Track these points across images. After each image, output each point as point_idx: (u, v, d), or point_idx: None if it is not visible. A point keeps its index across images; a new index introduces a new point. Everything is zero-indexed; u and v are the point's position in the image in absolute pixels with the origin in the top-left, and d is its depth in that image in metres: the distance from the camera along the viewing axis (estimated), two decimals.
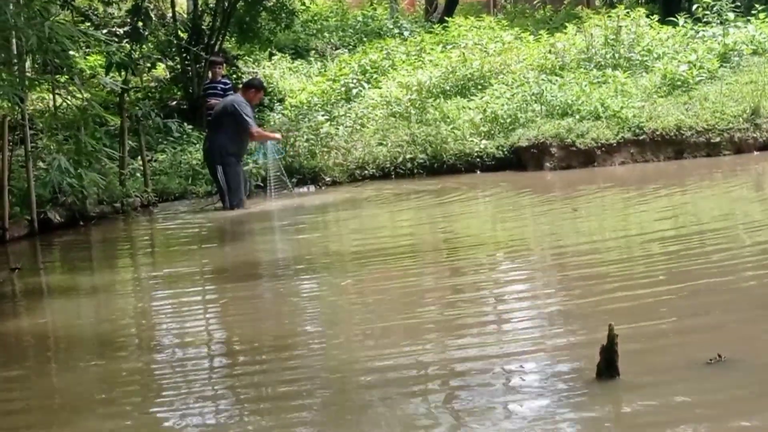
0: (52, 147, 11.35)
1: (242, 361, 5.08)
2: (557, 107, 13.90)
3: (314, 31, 21.91)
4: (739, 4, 17.21)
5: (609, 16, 16.22)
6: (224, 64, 15.44)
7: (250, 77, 12.97)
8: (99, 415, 4.28)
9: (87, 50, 14.06)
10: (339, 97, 16.46)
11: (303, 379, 4.51)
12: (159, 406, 4.38)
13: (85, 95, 11.54)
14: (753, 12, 16.46)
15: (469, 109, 14.59)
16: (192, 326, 5.99)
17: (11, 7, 9.37)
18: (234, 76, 17.08)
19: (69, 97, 11.64)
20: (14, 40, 10.46)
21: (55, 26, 9.67)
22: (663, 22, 16.60)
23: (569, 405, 3.87)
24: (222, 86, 14.20)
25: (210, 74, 14.76)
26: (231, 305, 6.55)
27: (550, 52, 16.06)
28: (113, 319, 6.36)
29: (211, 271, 8.00)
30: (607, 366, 4.04)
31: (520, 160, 13.46)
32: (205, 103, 14.49)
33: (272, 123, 15.40)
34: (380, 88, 16.22)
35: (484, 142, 13.77)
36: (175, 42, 17.12)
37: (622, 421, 3.77)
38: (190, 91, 16.96)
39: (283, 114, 15.76)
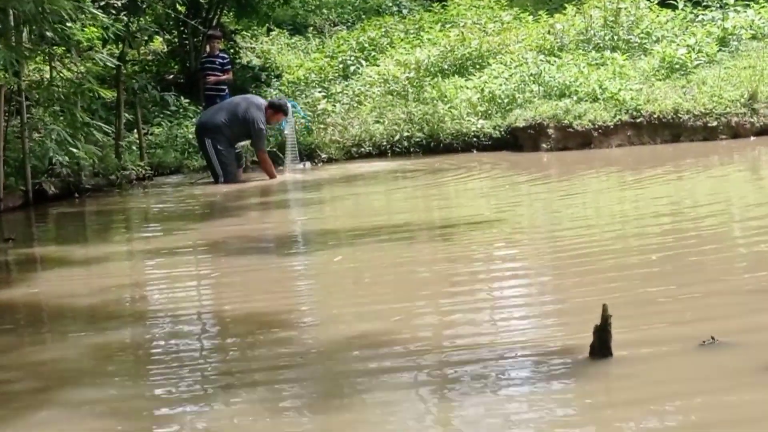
0: (46, 119, 11.30)
1: (234, 335, 5.06)
2: (555, 88, 13.87)
3: (313, 7, 21.80)
4: None
5: None
6: (222, 39, 15.37)
7: (279, 99, 12.76)
8: (88, 387, 4.27)
9: (84, 22, 13.94)
10: (336, 74, 16.42)
11: (296, 365, 4.46)
12: (148, 379, 4.37)
13: (80, 69, 11.49)
14: None
15: (467, 88, 14.54)
16: (184, 300, 5.97)
17: None
18: (231, 51, 17.02)
19: (64, 70, 11.59)
20: (11, 11, 10.40)
21: None
22: (662, 5, 16.53)
23: (562, 384, 3.87)
24: (220, 61, 14.14)
25: (207, 48, 14.69)
26: (223, 279, 6.54)
27: (549, 32, 16.00)
28: (105, 290, 6.35)
29: (204, 244, 7.99)
30: (601, 346, 4.04)
31: (516, 140, 13.44)
32: (202, 77, 14.44)
33: (269, 99, 15.34)
34: (378, 65, 16.16)
35: (481, 122, 13.74)
36: (173, 15, 17.03)
37: (615, 399, 3.77)
38: (188, 65, 16.92)
39: (280, 90, 15.72)
